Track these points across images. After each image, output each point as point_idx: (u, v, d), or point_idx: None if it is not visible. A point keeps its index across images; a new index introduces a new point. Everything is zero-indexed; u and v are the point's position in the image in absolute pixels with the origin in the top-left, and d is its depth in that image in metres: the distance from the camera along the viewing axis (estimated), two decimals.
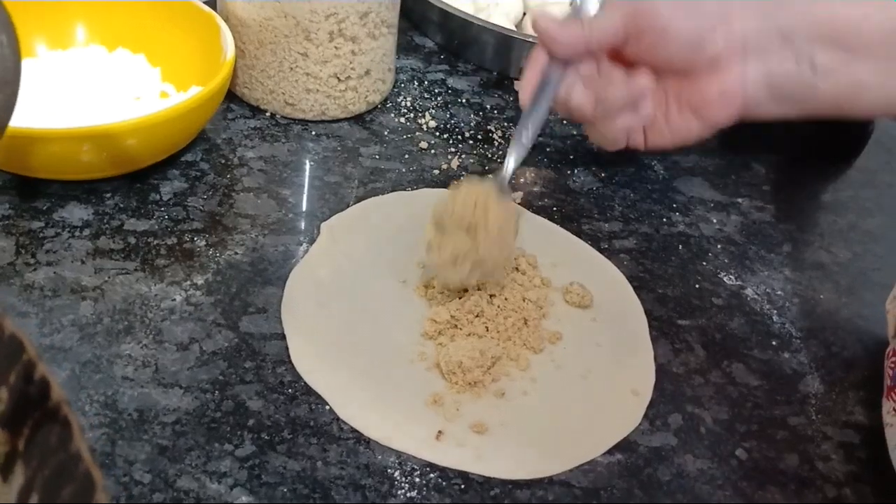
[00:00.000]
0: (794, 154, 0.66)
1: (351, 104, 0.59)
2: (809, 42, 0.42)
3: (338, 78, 0.57)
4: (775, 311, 0.51)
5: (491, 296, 0.45)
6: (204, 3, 0.56)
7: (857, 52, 0.42)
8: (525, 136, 0.47)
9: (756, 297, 0.52)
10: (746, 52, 0.44)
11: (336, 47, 0.56)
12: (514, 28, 0.72)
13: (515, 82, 0.49)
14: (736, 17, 0.44)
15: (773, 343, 0.49)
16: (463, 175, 0.57)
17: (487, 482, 0.38)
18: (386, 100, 0.63)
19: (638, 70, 0.46)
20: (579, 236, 0.53)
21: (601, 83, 0.46)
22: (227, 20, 0.55)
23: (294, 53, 0.56)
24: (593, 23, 0.45)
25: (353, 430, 0.39)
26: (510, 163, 0.47)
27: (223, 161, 0.54)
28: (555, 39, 0.45)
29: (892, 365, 0.43)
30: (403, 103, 0.63)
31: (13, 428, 0.16)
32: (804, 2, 0.43)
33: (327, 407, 0.40)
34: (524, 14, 0.76)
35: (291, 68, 0.56)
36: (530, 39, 0.67)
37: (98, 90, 0.54)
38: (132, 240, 0.47)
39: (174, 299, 0.44)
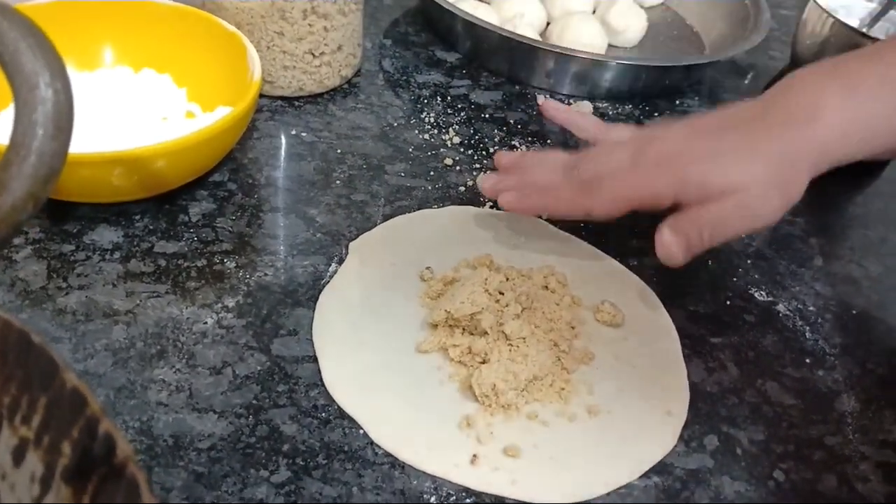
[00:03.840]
0: None
1: (326, 79, 0.63)
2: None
3: (312, 54, 0.60)
4: (808, 328, 0.50)
5: (522, 311, 0.45)
6: None
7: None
8: None
9: (788, 313, 0.51)
10: None
11: (310, 24, 0.59)
12: (539, 37, 0.72)
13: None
14: None
15: (807, 360, 0.48)
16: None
17: None
18: (410, 116, 0.63)
19: None
20: (607, 253, 0.53)
21: None
22: (203, 5, 0.58)
23: (270, 33, 0.59)
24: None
25: (388, 454, 0.39)
26: None
27: (250, 181, 0.54)
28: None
29: None
30: (427, 119, 0.63)
31: (77, 484, 0.16)
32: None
33: (361, 431, 0.40)
34: (548, 23, 0.76)
35: (269, 47, 0.59)
36: (557, 50, 0.67)
37: (125, 111, 0.54)
38: (162, 262, 0.47)
39: (206, 322, 0.44)
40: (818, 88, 0.45)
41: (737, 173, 0.44)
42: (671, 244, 0.44)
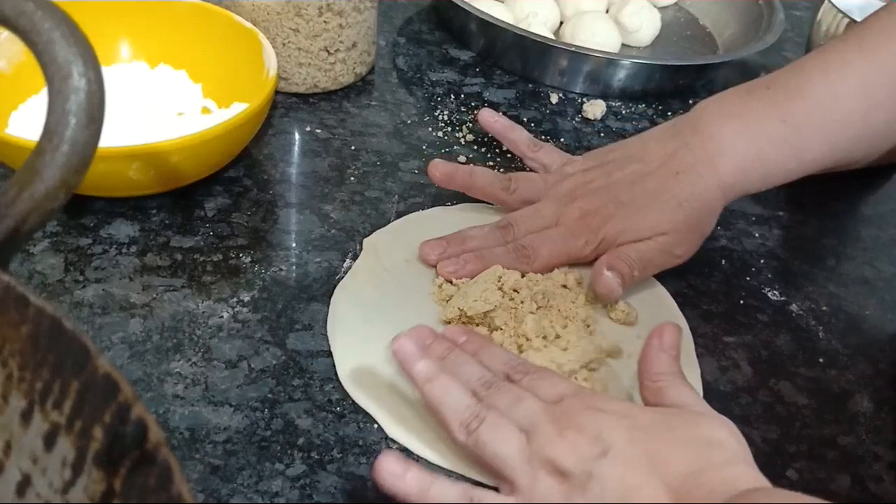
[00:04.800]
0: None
1: (340, 76, 0.63)
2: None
3: (327, 51, 0.61)
4: (821, 328, 0.50)
5: (537, 310, 0.45)
6: None
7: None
8: None
9: (801, 313, 0.51)
10: None
11: (325, 22, 0.59)
12: (552, 36, 0.73)
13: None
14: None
15: (820, 360, 0.48)
16: None
17: None
18: (423, 113, 0.63)
19: None
20: None
21: None
22: (220, 2, 0.58)
23: (286, 29, 0.59)
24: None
25: (403, 449, 0.39)
26: None
27: (265, 177, 0.54)
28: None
29: None
30: (441, 117, 0.63)
31: (109, 467, 0.16)
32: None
33: (376, 425, 0.40)
34: (561, 22, 0.77)
35: (284, 44, 0.60)
36: (572, 49, 0.67)
37: (141, 106, 0.55)
38: (178, 256, 0.47)
39: (221, 316, 0.44)
40: (720, 133, 0.49)
41: (654, 222, 0.48)
42: (612, 281, 0.46)
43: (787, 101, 0.50)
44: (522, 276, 0.47)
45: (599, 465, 0.34)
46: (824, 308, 0.52)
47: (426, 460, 0.39)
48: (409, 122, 0.62)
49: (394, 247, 0.50)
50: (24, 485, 0.18)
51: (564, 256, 0.49)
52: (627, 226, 0.48)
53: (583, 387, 0.39)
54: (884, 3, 0.74)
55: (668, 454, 0.34)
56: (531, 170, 0.56)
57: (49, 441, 0.18)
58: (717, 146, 0.49)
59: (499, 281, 0.46)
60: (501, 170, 0.58)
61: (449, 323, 0.45)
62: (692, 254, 0.50)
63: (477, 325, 0.45)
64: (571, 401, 0.37)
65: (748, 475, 0.33)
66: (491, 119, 0.57)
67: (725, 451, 0.34)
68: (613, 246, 0.48)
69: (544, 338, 0.44)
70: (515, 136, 0.57)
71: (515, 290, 0.46)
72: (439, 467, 0.39)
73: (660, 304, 0.49)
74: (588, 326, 0.46)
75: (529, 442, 0.36)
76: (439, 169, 0.52)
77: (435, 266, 0.49)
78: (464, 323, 0.45)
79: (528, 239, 0.49)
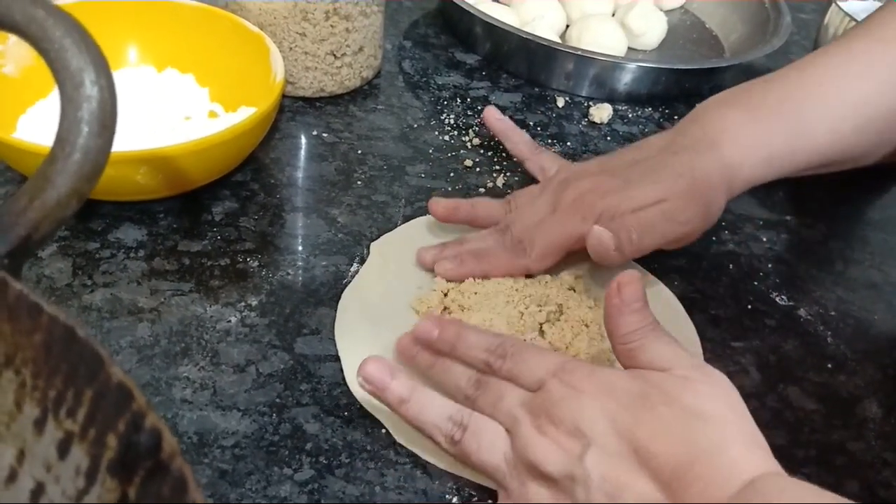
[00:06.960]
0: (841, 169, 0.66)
1: (347, 80, 0.63)
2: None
3: (334, 55, 0.61)
4: (829, 332, 0.50)
5: (541, 326, 0.45)
6: None
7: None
8: None
9: (809, 317, 0.51)
10: None
11: (332, 26, 0.60)
12: (558, 40, 0.73)
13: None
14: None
15: (829, 365, 0.48)
16: (509, 192, 0.57)
17: None
18: (430, 117, 0.63)
19: None
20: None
21: None
22: (226, 6, 0.58)
23: (293, 34, 0.59)
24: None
25: (410, 454, 0.39)
26: None
27: (272, 181, 0.54)
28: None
29: None
30: (447, 121, 0.63)
31: (123, 476, 0.16)
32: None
33: (383, 430, 0.40)
34: (567, 26, 0.77)
35: (291, 48, 0.60)
36: (578, 52, 0.67)
37: (149, 110, 0.55)
38: (186, 260, 0.47)
39: (229, 321, 0.44)
40: (720, 115, 0.49)
41: (651, 191, 0.46)
42: (602, 234, 0.45)
43: (787, 85, 0.49)
44: (517, 289, 0.46)
45: (581, 465, 0.33)
46: (832, 313, 0.52)
47: (435, 466, 0.39)
48: (415, 125, 0.62)
49: (401, 251, 0.50)
50: (37, 493, 0.18)
51: (562, 238, 0.47)
52: (624, 198, 0.46)
53: (563, 356, 0.37)
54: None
55: (652, 443, 0.32)
56: (530, 174, 0.56)
57: (63, 449, 0.18)
58: (716, 129, 0.48)
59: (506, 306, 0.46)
60: (508, 174, 0.59)
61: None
62: (700, 227, 0.47)
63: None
64: (550, 384, 0.35)
65: (747, 458, 0.30)
66: (495, 117, 0.58)
67: (717, 427, 0.31)
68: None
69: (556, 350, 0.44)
70: (517, 137, 0.57)
71: (520, 312, 0.45)
72: (447, 473, 0.39)
73: (667, 308, 0.49)
74: (599, 328, 0.46)
75: (513, 444, 0.35)
76: (441, 205, 0.50)
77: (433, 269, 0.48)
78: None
79: (524, 232, 0.48)
